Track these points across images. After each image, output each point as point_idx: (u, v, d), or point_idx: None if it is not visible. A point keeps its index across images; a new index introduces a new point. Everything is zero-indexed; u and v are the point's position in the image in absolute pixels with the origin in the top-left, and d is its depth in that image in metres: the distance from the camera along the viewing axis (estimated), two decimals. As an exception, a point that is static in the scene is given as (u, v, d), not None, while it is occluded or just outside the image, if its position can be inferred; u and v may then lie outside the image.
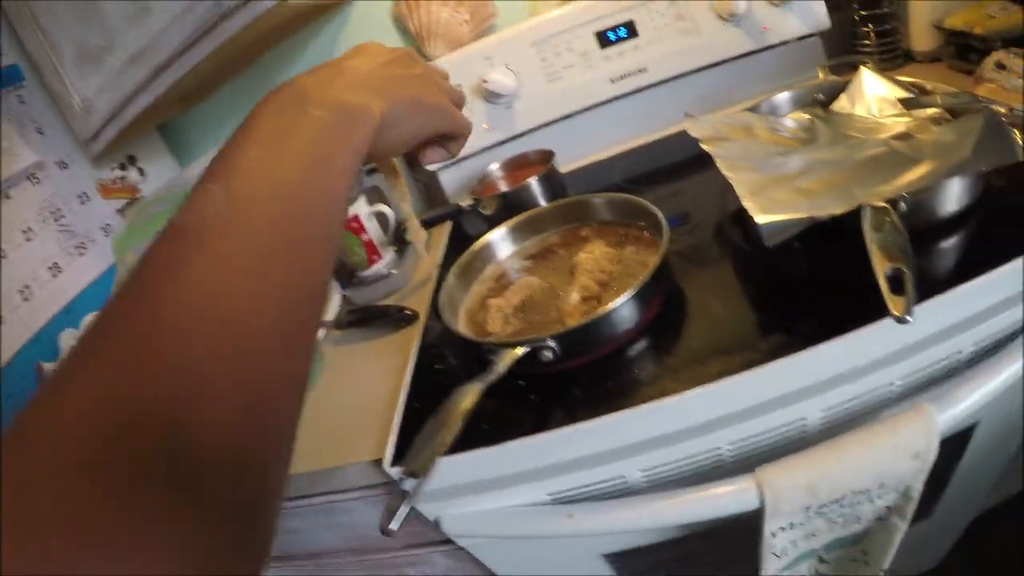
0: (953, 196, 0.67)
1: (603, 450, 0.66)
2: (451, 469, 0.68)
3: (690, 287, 0.77)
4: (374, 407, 0.80)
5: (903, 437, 0.61)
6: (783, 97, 0.92)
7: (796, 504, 0.63)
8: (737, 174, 0.73)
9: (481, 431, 0.68)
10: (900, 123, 0.79)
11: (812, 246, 0.72)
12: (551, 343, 0.67)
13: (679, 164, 1.01)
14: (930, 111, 0.79)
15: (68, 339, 0.80)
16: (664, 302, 0.74)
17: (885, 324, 0.59)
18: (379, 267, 1.01)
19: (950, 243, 0.67)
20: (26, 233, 0.87)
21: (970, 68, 0.88)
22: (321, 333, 0.97)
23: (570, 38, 1.04)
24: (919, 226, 0.66)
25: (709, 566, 0.89)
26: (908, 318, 0.52)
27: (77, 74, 0.93)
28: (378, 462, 0.72)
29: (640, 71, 1.04)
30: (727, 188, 0.88)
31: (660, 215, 0.76)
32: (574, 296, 0.75)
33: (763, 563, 0.71)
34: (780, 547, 0.69)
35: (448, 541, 0.84)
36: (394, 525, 0.54)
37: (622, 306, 0.67)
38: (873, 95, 0.86)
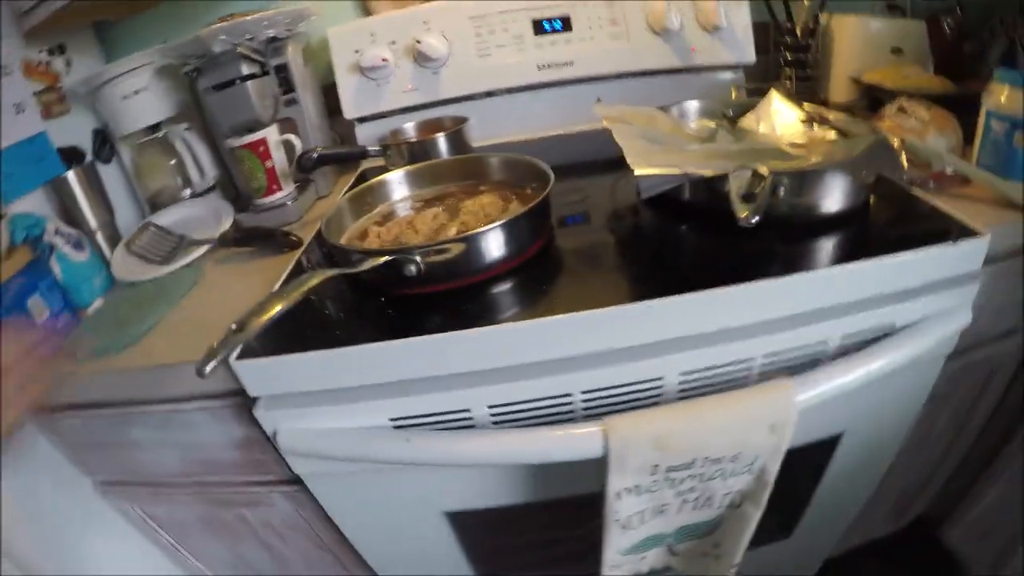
0: (835, 195, 0.71)
1: (448, 373, 0.66)
2: (294, 369, 0.66)
3: (572, 255, 0.78)
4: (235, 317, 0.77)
5: (760, 406, 0.63)
6: (692, 105, 0.97)
7: (643, 459, 0.62)
8: (629, 142, 0.76)
9: (333, 336, 0.67)
10: (797, 137, 0.85)
11: (697, 230, 0.77)
12: (416, 257, 0.67)
13: (589, 162, 1.04)
14: (830, 135, 0.84)
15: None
16: (541, 252, 0.75)
17: (746, 289, 0.62)
18: (277, 197, 1.00)
19: (824, 236, 0.71)
20: (-60, 91, 0.84)
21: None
22: (202, 249, 0.95)
23: (507, 19, 1.08)
24: (800, 218, 0.71)
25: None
26: (752, 220, 0.57)
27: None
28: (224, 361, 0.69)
29: (567, 64, 1.09)
30: (619, 178, 0.93)
31: (547, 169, 0.79)
32: (452, 230, 0.76)
33: (607, 534, 0.70)
34: (626, 515, 0.68)
35: (289, 481, 0.82)
36: (208, 368, 0.52)
37: (490, 234, 0.68)
38: (778, 117, 0.91)
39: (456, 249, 0.68)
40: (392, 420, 0.68)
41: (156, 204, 1.08)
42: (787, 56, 1.09)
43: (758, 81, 1.12)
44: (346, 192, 0.89)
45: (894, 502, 1.07)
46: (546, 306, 0.66)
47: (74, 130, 1.06)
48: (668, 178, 0.66)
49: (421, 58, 1.06)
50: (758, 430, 0.62)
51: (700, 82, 1.11)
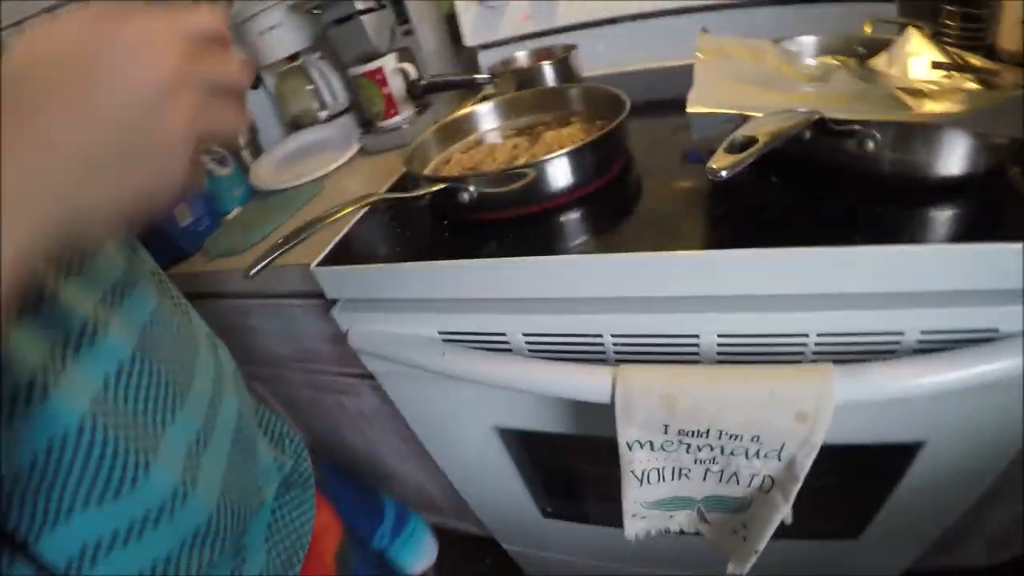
0: (951, 156, 0.58)
1: (488, 297, 0.69)
2: (360, 278, 0.75)
3: (647, 192, 0.74)
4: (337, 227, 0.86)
5: (787, 389, 0.56)
6: (810, 39, 0.86)
7: (651, 415, 0.60)
8: (707, 79, 0.71)
9: (394, 252, 0.74)
10: (920, 83, 0.73)
11: (786, 182, 0.67)
12: (469, 186, 0.70)
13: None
14: (967, 84, 0.72)
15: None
16: (609, 186, 0.74)
17: (805, 255, 0.55)
18: (394, 120, 1.08)
19: (928, 205, 0.58)
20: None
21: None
22: (329, 167, 1.06)
23: (626, -57, 1.03)
24: (900, 179, 0.60)
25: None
26: (722, 174, 0.49)
27: None
28: (306, 265, 0.79)
29: (693, -11, 1.01)
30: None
31: (626, 99, 0.76)
32: (522, 160, 0.77)
33: (624, 482, 0.69)
34: (641, 468, 0.68)
35: (373, 376, 0.92)
36: (253, 272, 0.60)
37: (548, 163, 0.69)
38: (913, 58, 0.79)
39: (514, 178, 0.70)
40: (440, 333, 0.74)
41: (297, 125, 1.21)
42: (950, -11, 0.92)
43: (913, 16, 0.96)
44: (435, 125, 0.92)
45: (989, 534, 0.93)
46: (590, 242, 0.66)
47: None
48: (723, 118, 0.61)
49: (537, -14, 1.06)
50: (782, 415, 0.56)
51: (842, 12, 0.98)
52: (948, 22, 0.93)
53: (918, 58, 0.78)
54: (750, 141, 0.51)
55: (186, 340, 0.53)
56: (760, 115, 0.59)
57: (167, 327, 0.50)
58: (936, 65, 0.75)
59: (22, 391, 0.36)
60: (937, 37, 0.87)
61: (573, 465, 0.91)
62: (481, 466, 0.95)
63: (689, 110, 0.63)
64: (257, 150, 1.18)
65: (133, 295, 0.47)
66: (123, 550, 0.42)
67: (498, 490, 1.00)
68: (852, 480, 0.76)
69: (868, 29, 0.88)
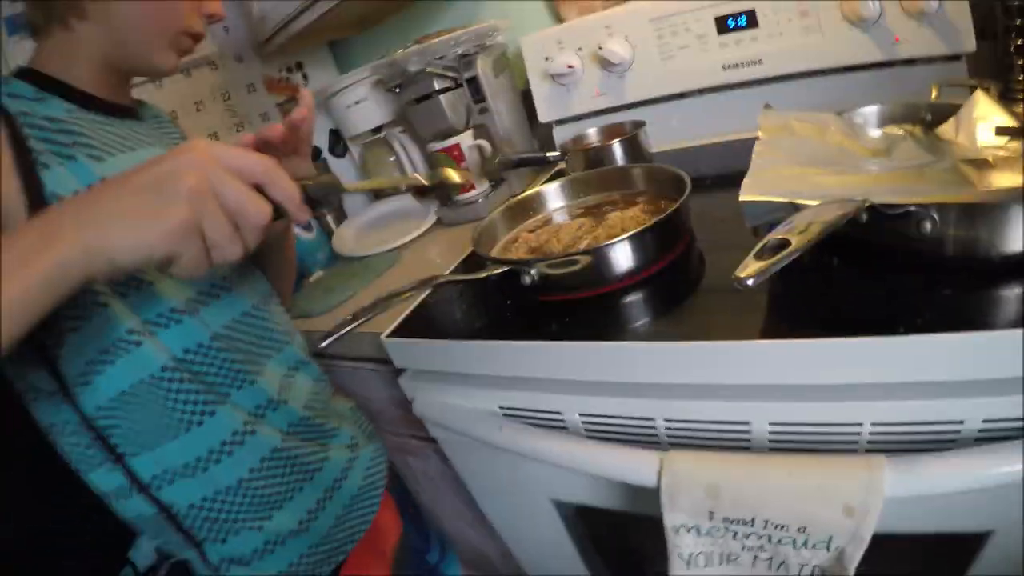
0: (1015, 233, 0.55)
1: (548, 376, 0.72)
2: (422, 351, 0.80)
3: (708, 275, 0.75)
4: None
5: (837, 480, 0.55)
6: (873, 109, 0.85)
7: (695, 502, 0.60)
8: (764, 159, 0.72)
9: (459, 329, 0.79)
10: (988, 151, 0.71)
11: (850, 265, 0.67)
12: (532, 269, 0.73)
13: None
14: None
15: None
16: (670, 268, 0.76)
17: (866, 345, 0.54)
18: (471, 194, 1.14)
19: (990, 285, 0.57)
20: (197, 105, 1.13)
21: None
22: (407, 237, 1.13)
23: (689, 19, 1.04)
24: (972, 260, 0.58)
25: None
26: (748, 283, 0.48)
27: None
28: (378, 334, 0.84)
29: (755, 63, 1.02)
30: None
31: (686, 177, 0.78)
32: (585, 241, 0.80)
33: (671, 565, 0.68)
34: (688, 553, 0.67)
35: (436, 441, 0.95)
36: (325, 343, 0.65)
37: (607, 249, 0.71)
38: (981, 123, 0.77)
39: (574, 263, 0.72)
40: (501, 408, 0.77)
41: (380, 194, 1.29)
42: (1017, 43, 0.87)
43: (984, 75, 0.93)
44: (503, 204, 0.96)
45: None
46: (647, 328, 0.68)
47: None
48: (776, 206, 0.62)
49: (605, 63, 1.09)
50: (830, 508, 0.55)
51: (909, 76, 0.96)
52: (1018, 78, 0.90)
53: (986, 123, 0.76)
54: (783, 244, 0.51)
55: (269, 344, 0.71)
56: (811, 203, 0.59)
57: (252, 328, 0.68)
58: (1000, 131, 0.73)
59: (121, 343, 0.55)
60: (1006, 96, 0.85)
61: (630, 541, 0.90)
62: (538, 535, 0.95)
63: (742, 198, 0.64)
64: (341, 216, 1.27)
65: (227, 296, 0.66)
66: (191, 478, 0.60)
67: (555, 559, 0.99)
68: (917, 567, 0.72)
69: (934, 93, 0.86)
